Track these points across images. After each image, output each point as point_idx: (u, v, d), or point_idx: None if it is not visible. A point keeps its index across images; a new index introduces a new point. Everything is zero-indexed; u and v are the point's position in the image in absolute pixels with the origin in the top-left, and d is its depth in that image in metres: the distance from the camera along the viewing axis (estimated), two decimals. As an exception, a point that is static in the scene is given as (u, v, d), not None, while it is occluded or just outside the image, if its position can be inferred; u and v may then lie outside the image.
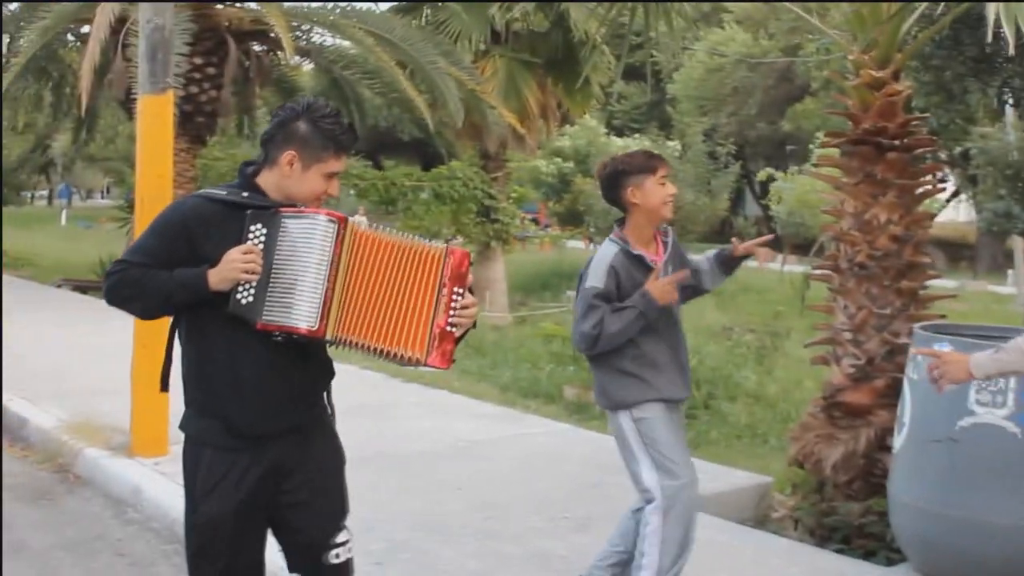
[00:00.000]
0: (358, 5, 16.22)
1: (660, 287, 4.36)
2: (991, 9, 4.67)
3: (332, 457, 3.58)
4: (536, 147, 23.68)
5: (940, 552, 5.23)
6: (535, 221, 34.32)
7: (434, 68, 15.21)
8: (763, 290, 21.37)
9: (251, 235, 3.26)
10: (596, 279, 4.46)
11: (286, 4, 16.00)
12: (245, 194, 3.35)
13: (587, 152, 31.66)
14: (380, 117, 24.65)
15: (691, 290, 4.71)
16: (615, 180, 4.55)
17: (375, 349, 3.31)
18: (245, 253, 3.22)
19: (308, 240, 3.23)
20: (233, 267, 3.21)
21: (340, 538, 3.52)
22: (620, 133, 36.00)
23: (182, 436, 3.49)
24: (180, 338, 3.42)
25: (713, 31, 39.91)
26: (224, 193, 3.37)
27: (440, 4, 18.16)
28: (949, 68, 8.23)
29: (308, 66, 20.62)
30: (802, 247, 25.37)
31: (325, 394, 3.57)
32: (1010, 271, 27.51)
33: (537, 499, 6.55)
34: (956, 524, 5.08)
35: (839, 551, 5.87)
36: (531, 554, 5.58)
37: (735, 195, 39.86)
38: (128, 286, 3.31)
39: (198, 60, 15.15)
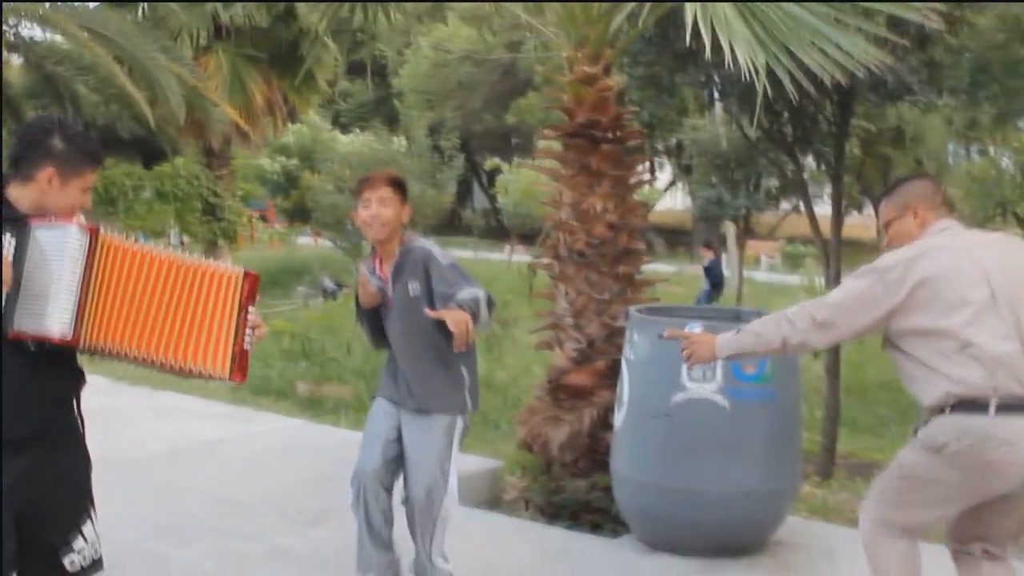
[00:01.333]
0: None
1: (360, 287, 4.85)
2: (688, 12, 4.97)
3: (79, 462, 3.60)
4: (261, 144, 23.43)
5: (659, 521, 5.55)
6: (263, 218, 33.85)
7: (153, 64, 14.88)
8: (491, 279, 21.78)
9: (4, 245, 3.25)
10: None
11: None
12: None
13: (312, 149, 31.49)
14: (97, 115, 23.81)
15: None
16: None
17: (161, 363, 3.40)
18: None
19: (60, 250, 3.26)
20: None
21: (78, 544, 3.53)
22: (346, 129, 35.93)
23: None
24: None
25: (437, 27, 40.31)
26: None
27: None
28: (658, 63, 8.61)
29: (18, 61, 19.70)
30: (529, 237, 26.00)
31: (75, 401, 3.59)
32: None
33: (272, 496, 6.55)
34: (673, 494, 5.40)
35: (568, 527, 6.13)
36: (268, 551, 5.59)
37: (463, 188, 40.50)
38: None
39: None
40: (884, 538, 4.10)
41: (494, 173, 27.16)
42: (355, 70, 41.08)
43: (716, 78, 8.07)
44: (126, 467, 7.10)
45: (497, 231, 37.90)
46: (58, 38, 16.55)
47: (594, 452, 6.23)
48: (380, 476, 4.77)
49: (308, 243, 30.44)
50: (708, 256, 19.35)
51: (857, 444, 8.78)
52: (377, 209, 4.73)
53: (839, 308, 4.02)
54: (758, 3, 5.19)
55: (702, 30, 4.98)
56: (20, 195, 3.38)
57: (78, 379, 3.55)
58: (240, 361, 3.48)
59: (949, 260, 3.95)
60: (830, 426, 7.78)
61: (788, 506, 5.76)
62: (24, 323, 3.24)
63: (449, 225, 41.13)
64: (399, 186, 4.80)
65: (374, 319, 4.88)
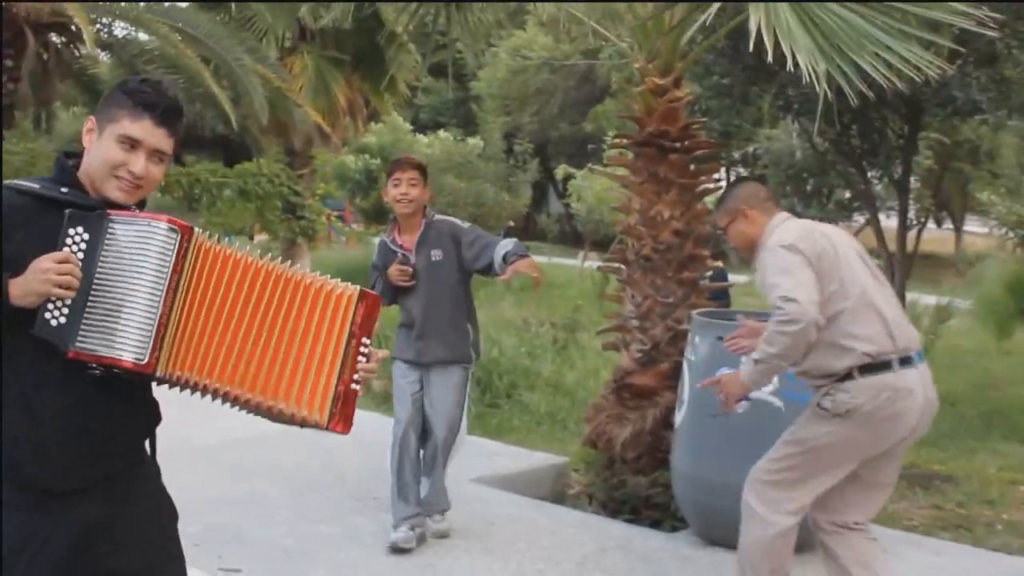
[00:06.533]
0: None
1: (392, 270, 5.67)
2: (753, 21, 5.17)
3: (158, 513, 2.97)
4: (342, 144, 23.84)
5: (716, 517, 5.76)
6: (341, 218, 34.36)
7: (239, 65, 15.27)
8: (564, 285, 22.01)
9: (69, 240, 2.62)
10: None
11: (86, -2, 15.78)
12: (64, 190, 2.71)
13: (392, 150, 31.93)
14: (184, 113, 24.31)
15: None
16: None
17: (247, 400, 2.77)
18: (60, 263, 2.55)
19: (142, 252, 2.63)
20: (44, 279, 2.53)
21: None
22: (425, 130, 36.37)
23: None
24: None
25: (515, 34, 40.60)
26: (37, 186, 2.70)
27: (245, 1, 18.22)
28: (729, 75, 8.79)
29: (106, 59, 20.33)
30: (602, 243, 26.11)
31: (149, 442, 2.95)
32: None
33: (347, 482, 6.86)
34: (729, 491, 5.55)
35: (629, 521, 6.36)
36: (343, 531, 5.90)
37: (539, 193, 40.74)
38: None
39: (-6, 52, 14.86)
40: (789, 537, 4.44)
41: (568, 179, 27.31)
42: (438, 70, 41.61)
43: (788, 90, 8.23)
44: (209, 450, 7.47)
45: (571, 237, 38.10)
46: (144, 36, 17.04)
47: (656, 450, 6.45)
48: (414, 423, 5.72)
49: (384, 243, 30.81)
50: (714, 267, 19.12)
51: (920, 455, 8.88)
52: (406, 188, 5.66)
53: None
54: (820, 14, 5.38)
55: (765, 38, 5.17)
56: (84, 173, 2.78)
57: (152, 415, 2.90)
58: (344, 405, 2.80)
59: None
60: (891, 435, 7.87)
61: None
62: (89, 342, 2.60)
63: (524, 230, 41.39)
64: (422, 169, 5.76)
65: (394, 289, 5.75)
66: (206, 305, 2.71)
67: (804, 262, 4.21)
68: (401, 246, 5.76)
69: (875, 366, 4.22)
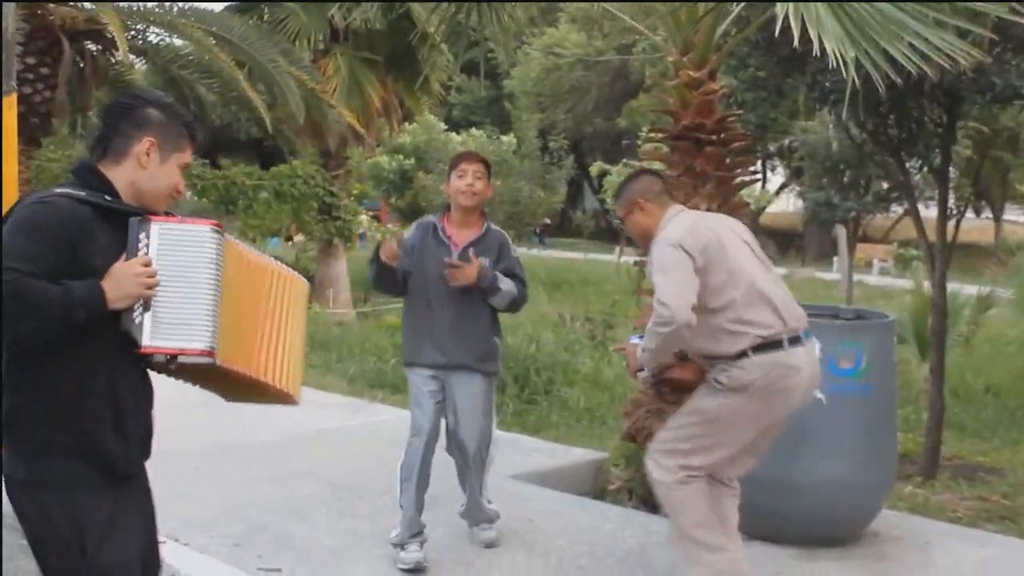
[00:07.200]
0: (196, 4, 16.17)
1: (384, 247, 5.30)
2: (780, 9, 5.11)
3: (152, 502, 3.18)
4: (376, 144, 23.90)
5: (755, 511, 5.67)
6: (377, 218, 34.48)
7: (274, 67, 15.32)
8: (600, 281, 22.00)
9: (141, 246, 2.84)
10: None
11: (122, 4, 15.88)
12: (108, 198, 2.90)
13: (426, 149, 32.00)
14: (216, 116, 24.43)
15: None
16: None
17: (259, 383, 3.06)
18: (146, 266, 2.80)
19: (197, 252, 2.85)
20: (140, 282, 2.78)
21: None
22: (458, 128, 36.44)
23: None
24: (17, 366, 2.83)
25: (547, 32, 40.59)
26: (85, 195, 2.87)
27: (278, 3, 18.30)
28: (764, 68, 8.73)
29: (144, 65, 20.45)
30: (638, 239, 25.97)
31: None
32: (835, 258, 28.75)
33: (387, 481, 6.81)
34: (767, 485, 5.55)
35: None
36: (383, 530, 5.87)
37: (573, 189, 40.70)
38: (22, 300, 2.66)
39: (31, 60, 14.94)
40: (691, 484, 4.58)
41: (603, 175, 27.31)
42: (471, 68, 41.72)
43: (826, 82, 8.14)
44: (249, 451, 7.50)
45: (607, 232, 38.08)
46: (179, 42, 17.13)
47: (695, 445, 6.40)
48: (436, 432, 5.53)
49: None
50: None
51: (963, 447, 8.80)
52: (472, 180, 5.42)
53: None
54: (850, 1, 5.33)
55: (792, 25, 5.11)
56: (117, 179, 2.94)
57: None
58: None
59: None
60: (934, 427, 7.81)
61: (882, 499, 5.88)
62: (160, 337, 2.82)
63: (559, 227, 41.40)
64: (488, 166, 5.55)
65: (391, 272, 5.36)
66: (236, 298, 2.95)
67: (685, 260, 4.42)
68: (450, 237, 5.46)
69: (767, 345, 4.46)
